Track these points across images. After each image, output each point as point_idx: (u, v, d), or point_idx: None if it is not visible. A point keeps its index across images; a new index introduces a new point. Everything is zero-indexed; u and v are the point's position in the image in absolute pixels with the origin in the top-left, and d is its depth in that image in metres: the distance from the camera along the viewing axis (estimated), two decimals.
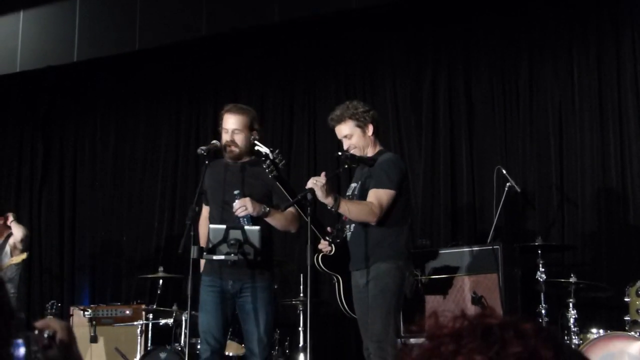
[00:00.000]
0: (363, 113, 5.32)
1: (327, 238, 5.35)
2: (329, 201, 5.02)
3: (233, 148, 5.51)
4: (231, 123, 5.53)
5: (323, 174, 5.10)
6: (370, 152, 5.35)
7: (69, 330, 1.82)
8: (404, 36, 8.38)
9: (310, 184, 5.01)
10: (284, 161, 5.21)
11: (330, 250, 5.38)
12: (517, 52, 7.80)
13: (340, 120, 5.34)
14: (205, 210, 5.77)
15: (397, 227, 5.24)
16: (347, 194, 5.42)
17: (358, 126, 5.30)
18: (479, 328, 1.00)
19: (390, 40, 8.43)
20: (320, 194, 4.97)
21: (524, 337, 0.99)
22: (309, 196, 5.00)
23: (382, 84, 8.31)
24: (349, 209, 5.12)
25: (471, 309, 6.14)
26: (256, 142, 5.49)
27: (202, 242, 5.73)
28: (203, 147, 5.48)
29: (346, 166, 5.35)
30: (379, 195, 5.13)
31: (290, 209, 5.49)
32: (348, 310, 5.42)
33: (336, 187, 5.54)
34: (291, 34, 8.82)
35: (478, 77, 7.95)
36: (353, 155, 5.29)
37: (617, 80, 7.31)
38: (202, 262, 5.59)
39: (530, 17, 7.80)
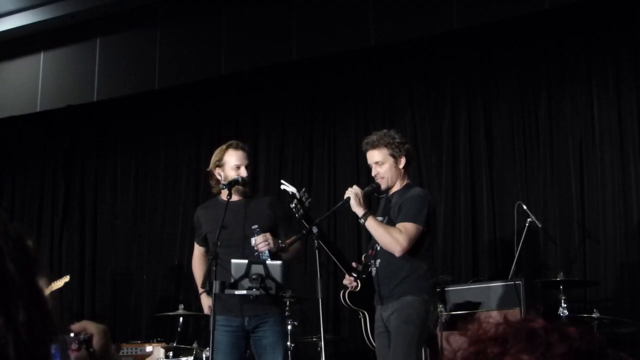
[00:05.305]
0: (399, 144, 5.29)
1: (353, 274, 5.33)
2: (359, 211, 5.10)
3: (246, 183, 5.56)
4: (243, 158, 5.54)
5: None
6: (398, 185, 5.33)
7: (106, 334, 1.82)
8: (423, 72, 8.41)
9: (348, 191, 5.16)
10: (310, 199, 5.23)
11: (356, 287, 5.36)
12: (536, 88, 7.80)
13: (375, 145, 5.31)
14: (198, 249, 5.81)
15: (423, 262, 5.19)
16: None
17: (391, 155, 5.27)
18: (524, 331, 1.01)
19: (410, 77, 8.45)
20: (354, 202, 5.10)
21: (569, 339, 0.99)
22: (315, 230, 5.10)
23: (402, 120, 8.31)
24: (376, 229, 5.11)
25: None
26: (282, 181, 5.49)
27: (198, 282, 5.74)
28: (224, 183, 5.46)
29: (369, 188, 5.35)
30: (407, 229, 5.07)
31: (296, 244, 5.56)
32: (375, 345, 5.39)
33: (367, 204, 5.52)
34: (310, 71, 8.87)
35: (498, 113, 7.94)
36: (378, 189, 5.33)
37: (637, 114, 7.28)
38: (207, 302, 5.56)
39: (548, 52, 7.81)
